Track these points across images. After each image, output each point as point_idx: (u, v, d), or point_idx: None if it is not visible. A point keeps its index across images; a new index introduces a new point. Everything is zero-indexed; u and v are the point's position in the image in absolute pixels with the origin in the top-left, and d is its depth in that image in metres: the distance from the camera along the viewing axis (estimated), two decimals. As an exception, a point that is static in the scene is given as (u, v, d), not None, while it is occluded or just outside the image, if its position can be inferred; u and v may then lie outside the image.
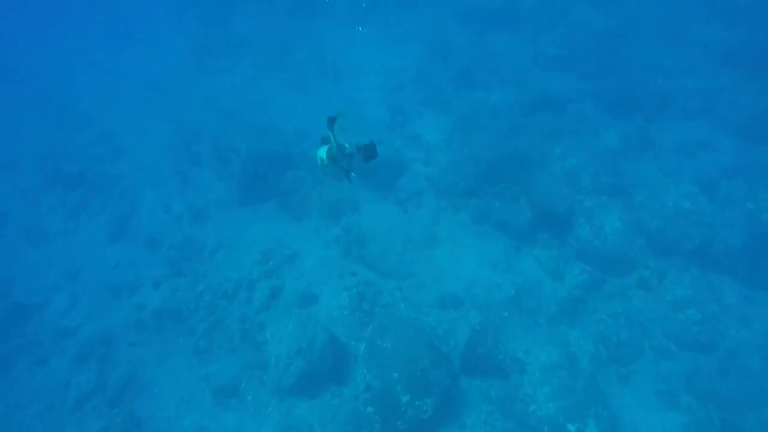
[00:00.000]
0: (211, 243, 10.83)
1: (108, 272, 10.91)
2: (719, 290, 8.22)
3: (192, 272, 10.23)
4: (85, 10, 23.43)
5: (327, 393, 7.64)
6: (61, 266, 11.37)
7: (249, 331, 8.86)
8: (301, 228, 10.75)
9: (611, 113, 12.25)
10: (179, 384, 8.46)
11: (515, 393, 7.06)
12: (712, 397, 6.96)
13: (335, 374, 7.79)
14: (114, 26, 21.74)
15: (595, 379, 7.08)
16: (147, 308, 9.80)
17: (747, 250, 8.54)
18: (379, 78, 14.79)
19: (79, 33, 22.20)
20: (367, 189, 10.99)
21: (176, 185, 12.57)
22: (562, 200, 9.39)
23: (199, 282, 9.95)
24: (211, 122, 13.70)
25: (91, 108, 16.78)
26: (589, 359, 7.40)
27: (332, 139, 5.31)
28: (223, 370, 8.43)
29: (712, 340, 7.59)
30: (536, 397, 6.92)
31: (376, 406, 6.97)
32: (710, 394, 6.99)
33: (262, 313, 9.12)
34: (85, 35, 21.92)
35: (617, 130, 11.54)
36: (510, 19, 15.81)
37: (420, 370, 7.14)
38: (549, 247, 9.13)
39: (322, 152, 5.55)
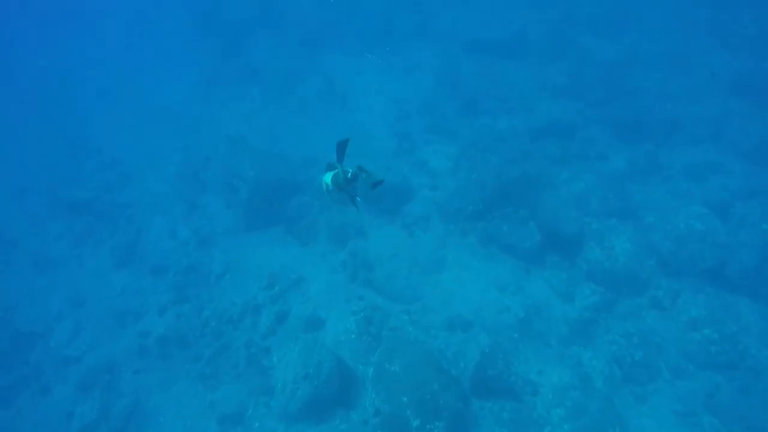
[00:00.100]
0: (217, 268, 11.42)
1: (113, 299, 11.48)
2: (736, 310, 8.52)
3: (197, 298, 10.77)
4: (96, 40, 25.30)
5: (335, 418, 7.92)
6: (66, 293, 11.99)
7: (255, 356, 9.26)
8: (307, 253, 11.34)
9: (619, 138, 12.97)
10: (184, 411, 8.80)
11: (529, 415, 7.30)
12: (735, 417, 7.14)
13: (343, 399, 8.09)
14: (126, 56, 23.48)
15: (610, 399, 7.33)
16: (152, 335, 10.27)
17: (764, 269, 8.90)
18: (386, 106, 15.81)
19: (90, 62, 23.89)
20: (374, 214, 11.64)
21: (183, 212, 13.35)
22: (571, 223, 9.92)
23: (204, 308, 10.46)
24: (219, 150, 14.68)
25: (100, 135, 17.98)
26: (603, 380, 7.67)
27: (338, 165, 5.66)
28: (229, 397, 8.77)
29: (731, 359, 7.83)
30: (550, 419, 7.16)
31: (385, 431, 7.22)
32: (733, 413, 7.18)
33: (268, 338, 9.55)
34: (97, 64, 23.60)
35: (625, 155, 12.21)
36: (517, 50, 16.96)
37: (430, 393, 7.44)
38: (558, 269, 9.58)
39: (328, 178, 5.87)
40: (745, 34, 15.30)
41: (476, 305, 9.18)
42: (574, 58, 15.80)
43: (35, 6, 29.10)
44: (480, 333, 8.65)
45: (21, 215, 14.92)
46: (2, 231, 14.24)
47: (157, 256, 12.29)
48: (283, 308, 10.03)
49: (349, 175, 5.52)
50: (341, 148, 5.45)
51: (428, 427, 7.15)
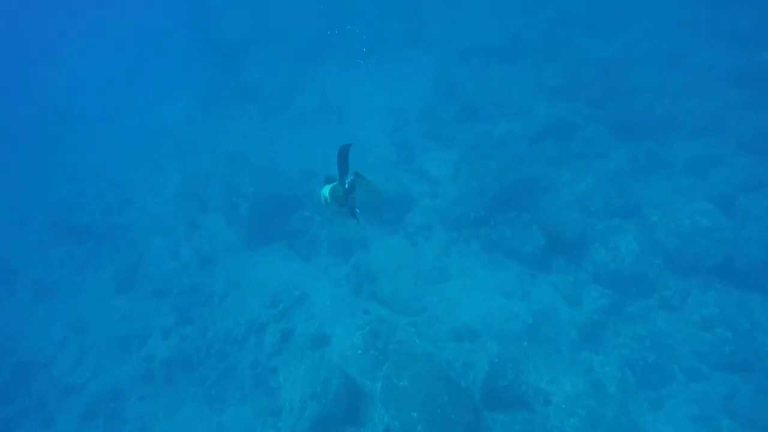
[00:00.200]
0: (220, 288, 11.38)
1: (116, 324, 11.45)
2: (749, 307, 8.39)
3: (201, 319, 10.71)
4: (92, 65, 25.56)
5: (344, 437, 7.80)
6: (68, 320, 11.97)
7: (261, 376, 9.17)
8: (310, 268, 11.29)
9: (619, 137, 12.93)
10: (191, 436, 8.68)
11: (542, 425, 7.18)
12: (755, 421, 6.98)
13: (352, 417, 7.99)
14: (122, 79, 23.69)
15: (625, 406, 7.20)
16: (156, 359, 10.21)
17: (774, 263, 8.79)
18: (384, 116, 15.87)
19: (87, 87, 24.12)
20: (376, 225, 11.60)
21: (184, 232, 13.37)
22: (575, 225, 9.85)
23: (208, 329, 10.40)
24: (218, 168, 14.73)
25: (99, 159, 18.09)
26: (616, 385, 7.54)
27: (337, 178, 5.45)
28: (236, 419, 8.69)
29: (747, 359, 7.69)
30: (564, 429, 7.04)
31: (395, 448, 7.11)
32: (753, 416, 7.02)
33: (273, 357, 9.47)
34: (93, 89, 23.82)
35: (626, 153, 12.16)
36: (512, 54, 17.02)
37: (440, 407, 7.33)
38: (564, 272, 9.50)
39: (326, 191, 5.73)
40: (737, 27, 15.39)
41: (483, 313, 9.09)
42: (569, 59, 15.84)
43: (33, 31, 29.53)
44: (488, 342, 8.55)
45: (23, 243, 14.95)
46: (4, 260, 14.25)
47: (159, 278, 12.27)
48: (287, 326, 9.96)
49: (347, 185, 5.30)
50: (343, 155, 5.10)
51: (440, 442, 7.05)
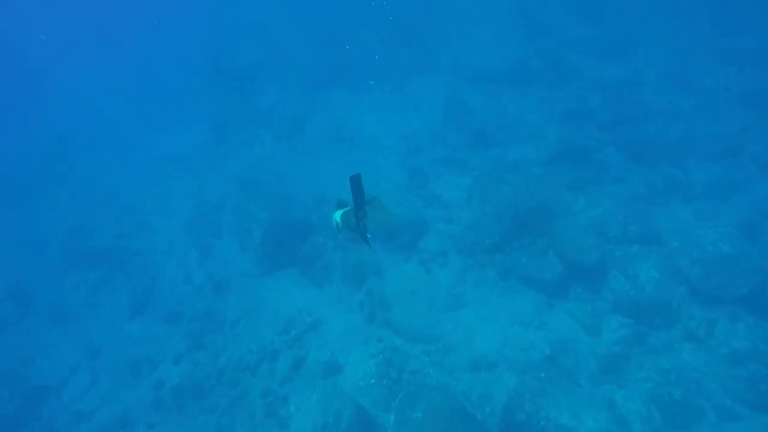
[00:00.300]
0: (233, 314, 11.42)
1: (128, 349, 11.52)
2: (781, 340, 8.09)
3: (213, 345, 10.73)
4: (110, 93, 26.53)
5: (356, 471, 7.63)
6: (81, 344, 12.09)
7: (272, 405, 9.09)
8: (323, 295, 11.28)
9: (634, 160, 12.87)
10: (200, 467, 8.58)
11: (563, 463, 6.92)
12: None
13: (364, 450, 7.82)
14: (138, 105, 24.49)
15: (650, 444, 6.92)
16: (166, 385, 10.21)
17: (807, 293, 8.53)
18: (396, 141, 16.07)
19: (104, 114, 24.98)
20: (389, 251, 11.61)
21: (198, 257, 13.52)
22: (592, 251, 9.74)
23: (220, 355, 10.40)
24: (231, 194, 15.00)
25: (115, 184, 18.55)
26: (641, 422, 7.28)
27: (349, 203, 5.53)
28: (246, 450, 8.56)
29: (785, 399, 7.36)
30: (586, 468, 6.77)
31: (410, 484, 6.93)
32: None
33: (285, 385, 9.39)
34: (110, 116, 24.65)
35: (642, 177, 12.09)
36: (521, 78, 17.25)
37: (455, 441, 7.16)
38: (582, 300, 9.33)
39: (338, 215, 5.80)
40: (746, 48, 15.46)
41: (499, 343, 8.94)
42: (579, 83, 15.98)
43: (52, 61, 30.83)
44: (505, 373, 8.38)
45: (38, 267, 15.25)
46: (20, 284, 14.54)
47: (172, 302, 12.37)
48: (300, 353, 9.90)
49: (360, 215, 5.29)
50: (356, 185, 5.11)
51: (456, 479, 6.85)
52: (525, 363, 8.46)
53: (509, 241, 10.76)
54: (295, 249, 12.30)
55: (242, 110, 20.19)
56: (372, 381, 8.76)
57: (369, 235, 5.59)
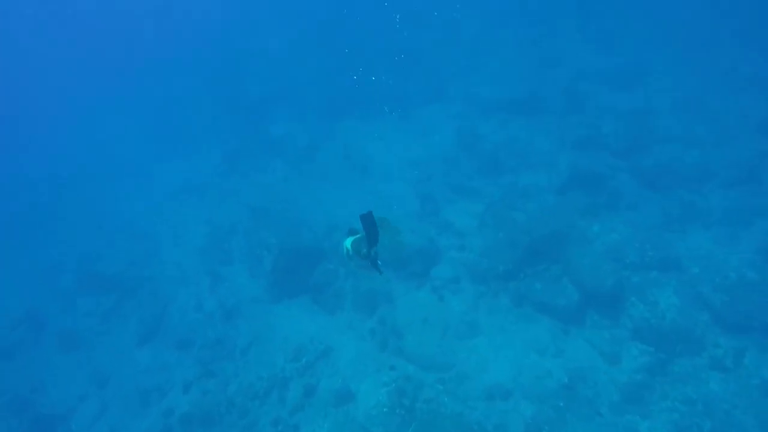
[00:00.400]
0: (243, 341, 11.50)
1: (138, 376, 11.62)
2: (815, 371, 7.87)
3: (223, 372, 10.78)
4: (126, 122, 27.74)
5: (368, 505, 7.46)
6: (90, 372, 12.25)
7: (282, 435, 8.99)
8: (334, 322, 11.35)
9: (649, 187, 12.96)
10: (207, 499, 8.46)
11: (584, 498, 6.70)
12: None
13: (376, 482, 7.68)
14: (153, 133, 25.47)
15: (678, 479, 6.68)
16: (175, 414, 10.21)
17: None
18: (407, 169, 16.43)
19: (118, 141, 26.00)
20: (401, 279, 11.71)
21: (209, 284, 13.76)
22: (608, 277, 9.73)
23: (230, 383, 10.43)
24: (243, 221, 15.38)
25: (128, 211, 19.13)
26: (667, 455, 7.04)
27: (360, 231, 5.65)
28: (254, 482, 8.44)
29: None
30: (610, 503, 6.53)
31: None
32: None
33: (296, 413, 9.36)
34: (125, 143, 25.65)
35: (658, 203, 12.14)
36: (532, 107, 17.69)
37: (471, 473, 7.01)
38: (600, 327, 9.26)
39: (348, 243, 5.91)
40: (759, 74, 15.68)
41: (515, 371, 8.85)
42: (591, 111, 16.34)
43: (68, 90, 32.47)
44: (521, 402, 8.26)
45: (51, 293, 15.62)
46: (33, 311, 14.86)
47: (183, 329, 12.52)
48: (311, 381, 9.90)
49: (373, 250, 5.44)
50: (367, 222, 5.29)
51: None
52: (542, 392, 8.34)
53: (523, 267, 10.82)
54: (306, 276, 12.49)
55: (254, 139, 20.90)
56: (384, 410, 8.71)
57: (380, 262, 5.81)
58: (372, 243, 5.37)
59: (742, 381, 8.10)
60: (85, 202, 21.21)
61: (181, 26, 33.12)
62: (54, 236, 19.31)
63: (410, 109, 19.75)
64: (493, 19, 24.88)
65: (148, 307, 13.73)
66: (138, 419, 10.60)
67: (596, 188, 13.17)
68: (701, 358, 8.53)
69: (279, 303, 12.43)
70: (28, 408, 11.77)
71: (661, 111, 15.74)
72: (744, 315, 8.90)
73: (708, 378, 8.21)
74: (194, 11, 34.28)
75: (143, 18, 35.55)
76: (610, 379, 8.32)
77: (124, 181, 22.29)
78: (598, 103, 16.79)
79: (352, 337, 10.79)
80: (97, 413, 11.16)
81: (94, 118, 29.03)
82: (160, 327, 13.01)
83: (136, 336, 12.94)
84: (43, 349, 13.58)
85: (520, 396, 8.37)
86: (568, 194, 13.09)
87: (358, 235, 5.86)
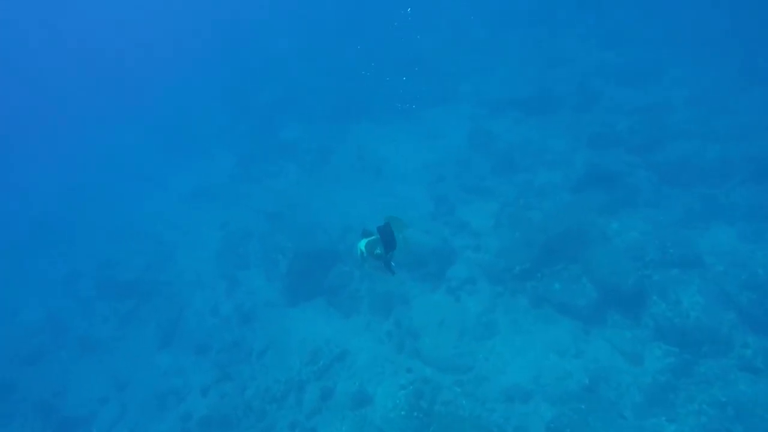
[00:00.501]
0: (260, 345, 11.56)
1: (156, 380, 11.77)
2: None
3: (240, 376, 10.84)
4: (139, 126, 28.22)
5: None
6: (111, 375, 12.44)
7: (299, 438, 9.01)
8: (350, 324, 11.34)
9: (669, 183, 12.71)
10: (226, 503, 8.51)
11: (610, 503, 6.55)
12: None
13: (395, 486, 7.63)
14: (168, 140, 25.83)
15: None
16: (193, 417, 10.30)
17: None
18: (420, 170, 16.40)
19: (134, 147, 26.46)
20: (417, 280, 11.65)
21: (225, 288, 13.88)
22: (628, 276, 9.54)
23: (247, 386, 10.49)
24: (258, 225, 15.50)
25: (145, 218, 19.41)
26: (696, 459, 6.85)
27: (374, 233, 5.77)
28: (273, 486, 8.45)
29: None
30: (636, 508, 6.38)
31: None
32: None
33: (313, 417, 9.36)
34: (141, 149, 26.09)
35: (678, 200, 11.90)
36: (545, 105, 17.53)
37: (492, 477, 6.92)
38: (621, 327, 9.07)
39: (362, 244, 6.02)
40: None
41: (534, 372, 8.73)
42: (605, 107, 16.15)
43: (85, 98, 33.16)
44: (541, 404, 8.14)
45: (71, 299, 15.93)
46: (54, 316, 15.18)
47: (200, 334, 12.64)
48: (327, 384, 9.90)
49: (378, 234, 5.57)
50: (386, 233, 5.45)
51: None
52: (562, 393, 8.20)
53: (540, 267, 10.68)
54: (321, 279, 12.51)
55: (268, 143, 21.09)
56: (402, 412, 8.66)
57: (393, 263, 5.84)
58: (389, 249, 5.51)
59: (774, 382, 7.86)
60: (102, 210, 21.58)
61: (193, 34, 33.67)
62: (73, 244, 19.69)
63: (422, 110, 19.73)
64: (503, 18, 24.79)
65: (166, 312, 13.89)
66: (156, 422, 10.72)
67: (613, 185, 12.95)
68: (729, 358, 8.28)
69: (295, 306, 12.48)
70: (52, 411, 11.99)
71: (677, 106, 15.46)
72: (774, 313, 8.65)
73: (737, 379, 7.96)
74: (205, 18, 34.83)
75: (155, 27, 36.25)
76: (632, 381, 8.14)
77: (140, 188, 22.65)
78: (612, 99, 16.57)
79: (368, 340, 10.77)
80: (117, 417, 11.32)
81: (109, 126, 29.61)
82: (177, 331, 13.16)
83: (154, 340, 13.10)
84: (65, 354, 13.83)
85: (540, 398, 8.25)
86: (585, 192, 12.91)
87: (372, 237, 5.94)
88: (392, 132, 19.24)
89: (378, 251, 5.64)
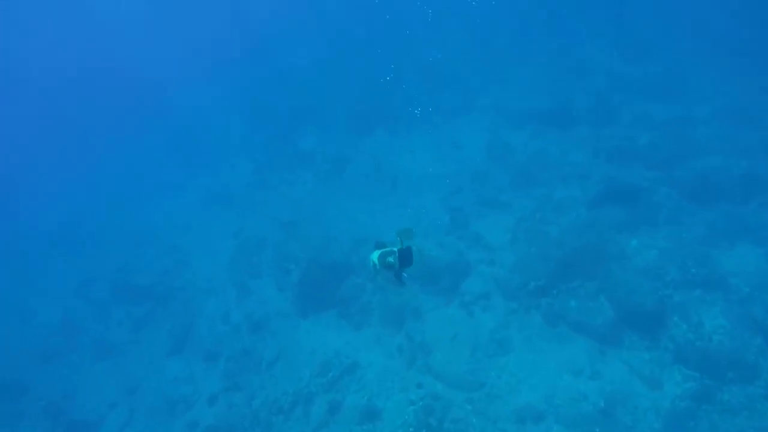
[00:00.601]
0: (269, 355, 11.62)
1: (166, 386, 11.93)
2: None
3: (248, 385, 10.91)
4: (156, 133, 28.85)
5: None
6: (121, 380, 12.63)
7: (306, 452, 8.99)
8: (361, 337, 11.32)
9: (691, 200, 12.45)
10: None
11: None
12: None
13: (402, 505, 7.53)
14: (185, 146, 26.39)
15: None
16: (200, 426, 10.39)
17: None
18: (436, 182, 16.39)
19: (151, 154, 27.06)
20: (430, 294, 11.60)
21: (237, 296, 14.02)
22: (648, 295, 9.34)
23: (255, 396, 10.53)
24: (271, 234, 15.66)
25: (162, 224, 19.81)
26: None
27: (389, 245, 5.96)
28: (278, 500, 8.43)
29: None
30: None
31: None
32: None
33: (319, 430, 9.31)
34: (157, 156, 26.67)
35: (701, 217, 11.63)
36: (565, 118, 17.40)
37: (502, 500, 6.79)
38: (639, 349, 8.86)
39: (375, 256, 6.06)
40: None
41: (548, 392, 8.56)
42: (626, 122, 15.98)
43: (104, 109, 34.07)
44: (554, 426, 7.98)
45: (86, 303, 16.27)
46: (69, 320, 15.53)
47: (211, 341, 12.77)
48: (336, 397, 9.88)
49: (398, 254, 5.73)
50: (405, 254, 5.72)
51: None
52: (576, 416, 8.02)
53: (556, 284, 10.53)
54: (333, 290, 12.54)
55: (285, 151, 21.38)
56: (410, 429, 8.60)
57: (405, 275, 5.87)
58: (405, 265, 5.73)
59: (806, 414, 7.55)
60: (120, 216, 22.11)
61: (213, 44, 34.44)
62: (91, 248, 20.19)
63: (440, 120, 19.80)
64: (522, 29, 24.81)
65: (178, 318, 14.10)
66: (163, 430, 10.82)
67: (633, 201, 12.74)
68: (755, 387, 7.98)
69: (306, 317, 12.52)
70: (60, 413, 12.23)
71: (700, 120, 15.20)
72: (804, 340, 8.34)
73: (765, 410, 7.66)
74: (225, 29, 35.63)
75: (175, 36, 37.21)
76: (651, 405, 7.91)
77: (157, 194, 23.19)
78: (633, 113, 16.39)
79: (378, 353, 10.72)
80: (125, 422, 11.48)
81: (129, 134, 30.41)
82: (188, 338, 13.32)
83: (165, 346, 13.29)
84: (76, 357, 14.11)
85: (552, 419, 8.08)
86: (604, 208, 12.71)
87: (384, 249, 5.97)
88: (409, 142, 19.33)
89: (390, 260, 5.74)
